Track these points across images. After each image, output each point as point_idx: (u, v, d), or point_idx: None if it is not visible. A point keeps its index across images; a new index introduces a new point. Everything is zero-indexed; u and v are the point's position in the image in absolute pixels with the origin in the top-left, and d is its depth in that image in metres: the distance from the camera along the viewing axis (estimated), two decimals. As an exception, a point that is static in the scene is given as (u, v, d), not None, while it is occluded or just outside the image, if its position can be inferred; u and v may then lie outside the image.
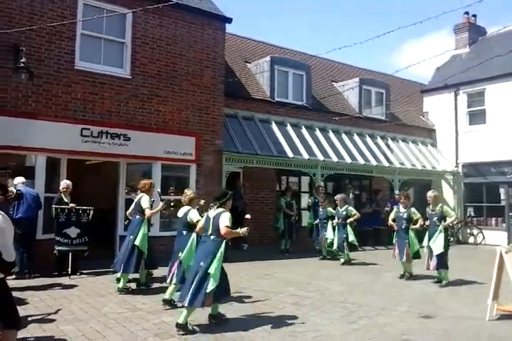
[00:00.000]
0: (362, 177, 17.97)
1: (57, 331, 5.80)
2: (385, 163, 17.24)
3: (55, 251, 9.25)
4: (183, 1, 12.29)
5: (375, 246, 15.89)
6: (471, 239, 18.57)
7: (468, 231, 18.81)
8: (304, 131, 16.25)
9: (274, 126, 15.55)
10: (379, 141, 18.48)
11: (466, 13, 21.72)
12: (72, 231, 9.35)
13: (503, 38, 19.14)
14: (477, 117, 19.32)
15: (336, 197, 12.78)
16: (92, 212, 9.59)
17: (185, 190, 7.73)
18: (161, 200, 8.33)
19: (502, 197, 18.42)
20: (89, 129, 10.91)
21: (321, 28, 56.59)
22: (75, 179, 10.26)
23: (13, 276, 8.51)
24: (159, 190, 8.95)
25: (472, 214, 19.21)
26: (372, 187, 18.44)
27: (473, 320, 6.83)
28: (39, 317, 6.39)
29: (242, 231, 6.26)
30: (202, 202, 7.64)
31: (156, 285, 8.63)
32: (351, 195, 16.44)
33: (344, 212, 12.26)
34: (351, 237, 12.12)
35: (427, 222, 9.81)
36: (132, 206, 8.60)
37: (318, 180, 15.17)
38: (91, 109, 11.06)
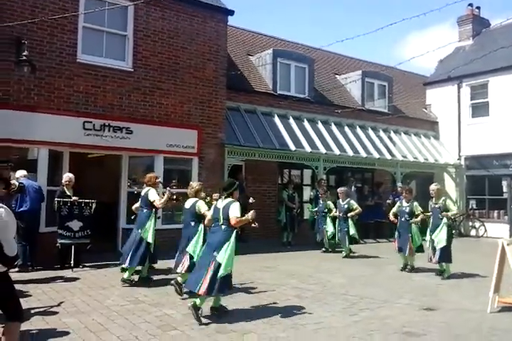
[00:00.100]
0: (364, 170, 17.96)
1: (60, 323, 5.83)
2: (388, 156, 17.21)
3: (57, 244, 9.27)
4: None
5: (377, 239, 15.90)
6: (473, 232, 18.60)
7: (470, 223, 18.82)
8: (306, 123, 16.23)
9: (276, 119, 15.53)
10: (381, 133, 18.44)
11: (470, 5, 21.60)
12: (75, 225, 9.36)
13: (506, 29, 19.02)
14: (480, 110, 19.25)
15: (338, 190, 12.78)
16: (94, 205, 9.58)
17: (191, 183, 7.93)
18: (164, 188, 8.45)
19: (504, 189, 18.38)
20: (91, 122, 10.92)
21: (322, 22, 56.38)
22: (77, 172, 10.30)
23: (16, 269, 8.53)
24: (161, 180, 9.01)
25: (474, 206, 19.21)
26: (374, 179, 18.44)
27: (475, 312, 6.84)
28: (42, 309, 6.43)
29: (250, 215, 6.34)
30: (203, 194, 7.75)
31: (157, 277, 8.66)
32: (353, 188, 16.41)
33: (346, 206, 12.26)
34: (352, 231, 12.13)
35: (429, 214, 9.82)
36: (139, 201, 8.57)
37: (320, 173, 15.16)
38: (93, 102, 11.06)
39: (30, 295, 7.14)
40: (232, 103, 14.45)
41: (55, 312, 6.29)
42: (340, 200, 12.46)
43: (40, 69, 10.33)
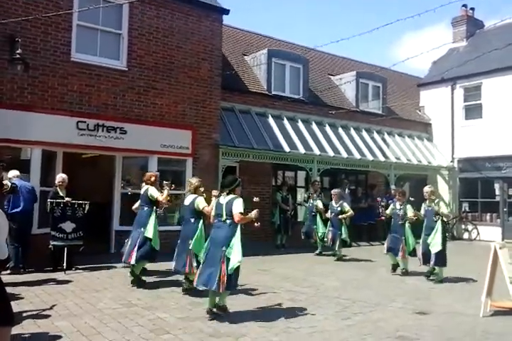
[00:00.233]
0: (358, 172, 17.96)
1: (52, 327, 5.77)
2: (381, 158, 17.23)
3: (50, 246, 9.18)
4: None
5: (370, 242, 15.91)
6: (466, 235, 18.63)
7: (463, 226, 18.85)
8: (300, 124, 16.21)
9: (270, 120, 15.50)
10: (375, 135, 18.46)
11: (464, 5, 21.65)
12: (68, 226, 9.27)
13: (500, 31, 19.01)
14: (473, 111, 19.29)
15: (332, 192, 12.75)
16: (87, 207, 9.49)
17: (190, 179, 8.15)
18: (161, 186, 8.52)
19: (497, 192, 18.42)
20: (85, 122, 10.86)
21: (318, 20, 56.36)
22: (71, 172, 10.21)
23: (8, 271, 8.49)
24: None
25: (467, 209, 19.23)
26: (368, 181, 18.45)
27: (467, 316, 6.86)
28: (34, 312, 6.36)
29: (254, 214, 6.39)
30: (202, 189, 7.92)
31: (150, 280, 8.60)
32: (347, 190, 16.43)
33: (339, 208, 12.22)
34: (344, 234, 12.10)
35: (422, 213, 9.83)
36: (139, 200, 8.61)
37: (314, 175, 15.15)
38: (87, 101, 10.99)
39: (22, 298, 7.07)
40: (226, 103, 14.41)
41: (47, 316, 6.23)
42: (334, 202, 12.42)
43: (34, 68, 10.26)
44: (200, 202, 7.50)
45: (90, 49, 11.18)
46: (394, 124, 19.41)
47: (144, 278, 8.40)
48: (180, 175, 12.34)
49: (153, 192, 8.33)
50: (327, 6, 56.42)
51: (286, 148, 14.70)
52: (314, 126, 16.58)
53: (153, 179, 8.54)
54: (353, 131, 17.75)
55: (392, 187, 16.21)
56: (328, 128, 16.97)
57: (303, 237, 13.44)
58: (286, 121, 15.89)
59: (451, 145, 19.72)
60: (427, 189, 9.90)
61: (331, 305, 7.30)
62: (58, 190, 9.46)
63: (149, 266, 8.89)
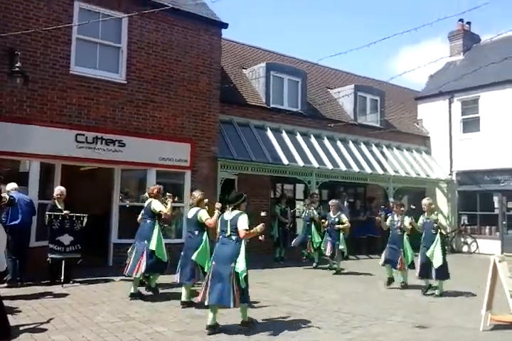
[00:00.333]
0: (357, 185, 17.95)
1: (49, 341, 5.72)
2: (380, 171, 17.24)
3: (48, 259, 9.12)
4: (180, 7, 12.26)
5: (369, 255, 15.83)
6: (465, 248, 18.56)
7: (462, 239, 18.78)
8: (299, 137, 16.24)
9: (269, 133, 15.53)
10: (374, 148, 18.50)
11: (461, 20, 21.80)
12: (66, 239, 9.22)
13: (497, 45, 19.18)
14: (471, 125, 19.35)
15: (329, 203, 12.67)
16: (85, 219, 9.47)
17: (193, 193, 8.24)
18: (163, 197, 8.58)
19: (496, 205, 18.40)
20: (83, 135, 10.87)
21: (317, 33, 56.80)
22: (69, 185, 10.17)
23: (5, 284, 8.44)
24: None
25: (466, 222, 19.18)
26: (366, 194, 18.45)
27: (467, 330, 6.81)
28: (31, 326, 6.28)
29: (259, 228, 6.47)
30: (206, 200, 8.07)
31: (149, 293, 8.53)
32: (346, 203, 16.40)
33: (336, 219, 12.15)
34: (341, 245, 12.02)
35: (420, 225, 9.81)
36: (142, 211, 8.63)
37: (313, 188, 15.14)
38: (86, 114, 11.01)
39: (19, 312, 6.98)
40: (225, 116, 14.44)
41: (44, 329, 6.15)
42: (331, 213, 12.33)
43: (33, 81, 10.29)
44: (203, 215, 7.64)
45: (89, 62, 11.23)
46: (392, 137, 19.46)
47: (142, 291, 8.36)
48: (179, 187, 12.30)
49: (155, 205, 8.35)
50: (325, 20, 56.93)
51: (285, 161, 14.71)
52: (313, 139, 16.62)
53: (155, 192, 8.57)
54: (351, 144, 17.79)
55: (391, 200, 16.21)
56: (326, 141, 17.00)
57: (292, 245, 13.26)
58: (284, 134, 15.92)
59: (449, 158, 19.74)
60: (425, 201, 9.89)
61: (331, 319, 7.25)
62: (56, 202, 9.43)
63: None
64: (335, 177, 15.98)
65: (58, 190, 9.57)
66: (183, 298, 7.68)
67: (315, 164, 15.40)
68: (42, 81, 10.46)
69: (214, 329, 6.27)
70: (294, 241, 13.24)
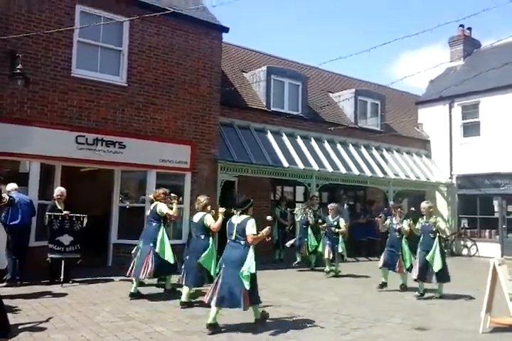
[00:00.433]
0: (356, 188, 17.99)
1: (48, 340, 5.72)
2: (380, 174, 17.26)
3: (47, 259, 9.15)
4: (181, 10, 12.31)
5: (369, 257, 15.83)
6: (465, 251, 18.53)
7: (462, 243, 18.78)
8: (299, 140, 16.28)
9: (269, 136, 15.56)
10: (374, 151, 18.52)
11: (461, 25, 21.87)
12: (65, 239, 9.26)
13: (497, 50, 19.24)
14: (471, 129, 19.39)
15: (328, 206, 12.62)
16: (85, 220, 9.51)
17: (199, 197, 8.26)
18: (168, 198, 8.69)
19: (496, 209, 18.41)
20: (84, 136, 10.90)
21: (317, 38, 56.95)
22: (69, 186, 10.21)
23: (5, 284, 8.45)
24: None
25: (466, 225, 19.19)
26: (366, 197, 18.47)
27: (467, 332, 6.80)
28: (30, 325, 6.30)
29: (265, 231, 6.59)
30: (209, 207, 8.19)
31: (148, 292, 8.55)
32: (346, 206, 16.41)
33: (335, 223, 12.09)
34: (340, 248, 11.98)
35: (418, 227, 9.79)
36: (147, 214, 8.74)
37: (313, 190, 15.15)
38: (86, 116, 11.04)
39: (19, 311, 7.01)
40: (225, 119, 14.47)
41: (44, 328, 6.17)
42: (330, 216, 12.27)
43: (34, 83, 10.34)
44: (208, 219, 7.78)
45: (91, 65, 11.27)
46: (392, 141, 19.50)
47: (142, 291, 8.40)
48: (178, 189, 12.29)
49: (162, 208, 8.45)
50: (326, 26, 57.12)
51: (285, 164, 14.73)
52: (313, 142, 16.65)
53: (162, 195, 8.66)
54: (351, 148, 17.82)
55: (391, 203, 16.20)
56: (326, 145, 17.04)
57: (288, 246, 13.18)
58: (285, 137, 15.96)
59: (449, 162, 19.77)
60: (424, 205, 9.85)
61: (330, 321, 7.24)
62: (56, 203, 9.47)
63: (147, 280, 8.81)
64: (335, 179, 16.00)
65: (58, 190, 9.61)
66: (183, 299, 7.71)
67: (315, 167, 15.42)
68: (43, 83, 10.50)
69: (214, 328, 6.28)
70: (288, 242, 13.21)
